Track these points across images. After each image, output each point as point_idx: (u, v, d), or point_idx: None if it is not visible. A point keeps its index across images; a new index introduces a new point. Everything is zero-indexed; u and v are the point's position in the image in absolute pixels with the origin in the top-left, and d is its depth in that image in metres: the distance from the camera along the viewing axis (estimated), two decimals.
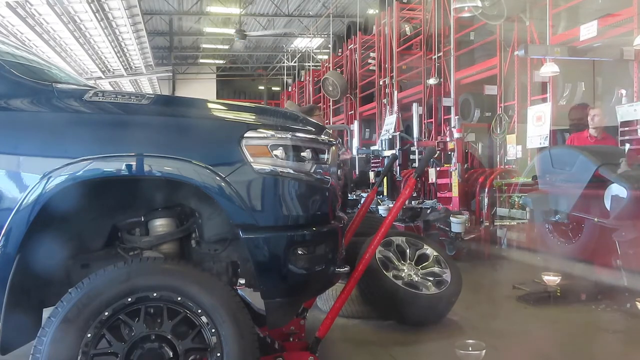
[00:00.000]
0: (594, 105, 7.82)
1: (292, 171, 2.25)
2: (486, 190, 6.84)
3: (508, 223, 6.79)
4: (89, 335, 2.04)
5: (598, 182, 4.79)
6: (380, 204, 7.73)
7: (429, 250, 4.19)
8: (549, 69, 8.08)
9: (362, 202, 6.96)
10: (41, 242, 2.14)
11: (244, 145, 2.19)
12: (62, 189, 2.07)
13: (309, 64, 22.15)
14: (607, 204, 4.66)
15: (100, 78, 16.15)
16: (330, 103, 18.30)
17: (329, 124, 17.32)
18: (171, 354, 2.12)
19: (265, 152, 2.21)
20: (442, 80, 11.35)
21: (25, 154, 2.15)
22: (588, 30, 7.50)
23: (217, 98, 25.86)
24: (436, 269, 4.07)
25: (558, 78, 8.66)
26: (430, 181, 7.90)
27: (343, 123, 16.54)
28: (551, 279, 4.62)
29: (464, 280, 4.05)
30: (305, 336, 3.07)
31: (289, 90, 25.28)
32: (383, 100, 13.89)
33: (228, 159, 2.21)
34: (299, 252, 2.26)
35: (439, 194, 7.62)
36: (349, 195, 8.87)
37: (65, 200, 2.09)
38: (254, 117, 2.40)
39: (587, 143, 6.10)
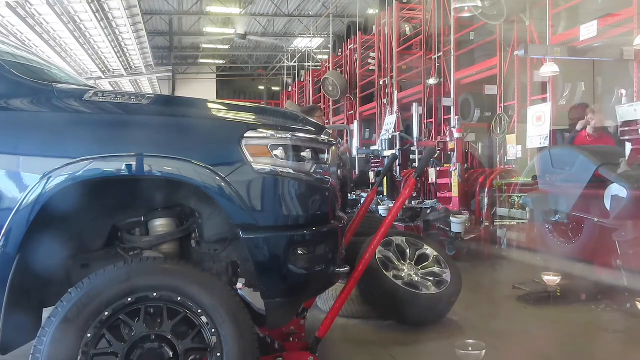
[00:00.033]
0: (593, 106, 7.81)
1: (292, 171, 2.25)
2: (486, 190, 6.84)
3: (508, 223, 6.79)
4: (89, 335, 2.04)
5: (598, 182, 4.79)
6: (380, 204, 7.73)
7: (429, 250, 4.19)
8: (549, 69, 8.08)
9: (362, 202, 6.96)
10: (41, 242, 2.14)
11: (244, 145, 2.19)
12: (62, 189, 2.07)
13: (309, 64, 22.15)
14: (607, 204, 4.67)
15: (100, 78, 16.15)
16: (330, 103, 18.29)
17: (329, 124, 17.31)
18: (171, 354, 2.12)
19: (265, 152, 2.21)
20: (442, 80, 11.35)
21: (25, 154, 2.15)
22: (588, 30, 7.51)
23: (217, 98, 25.86)
24: (436, 269, 4.07)
25: (558, 78, 8.66)
26: (430, 181, 7.90)
27: (343, 123, 16.54)
28: (551, 279, 4.62)
29: (464, 280, 4.05)
30: (305, 336, 3.07)
31: (289, 90, 25.28)
32: (383, 100, 13.89)
33: (228, 159, 2.21)
34: (299, 252, 2.26)
35: (439, 194, 7.62)
36: (349, 195, 8.88)
37: (65, 200, 2.09)
38: (254, 117, 2.40)
39: (586, 142, 6.10)
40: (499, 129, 9.66)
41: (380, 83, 14.08)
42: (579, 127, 6.47)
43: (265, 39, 24.06)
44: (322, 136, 2.42)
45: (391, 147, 9.11)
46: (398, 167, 8.54)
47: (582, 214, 5.03)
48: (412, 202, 7.24)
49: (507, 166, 9.10)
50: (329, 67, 18.42)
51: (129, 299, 2.09)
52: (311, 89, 20.55)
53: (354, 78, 16.24)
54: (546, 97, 8.67)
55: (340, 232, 2.55)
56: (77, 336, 2.02)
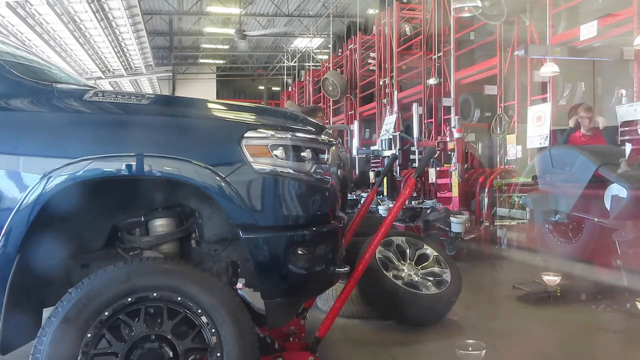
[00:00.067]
0: (585, 104, 7.82)
1: (292, 171, 2.25)
2: (486, 190, 6.84)
3: (508, 223, 6.79)
4: (89, 335, 2.04)
5: (598, 182, 4.79)
6: (380, 204, 7.73)
7: (429, 250, 4.19)
8: (549, 69, 8.08)
9: (362, 202, 6.96)
10: (41, 242, 2.14)
11: (244, 145, 2.19)
12: (62, 189, 2.07)
13: (309, 64, 22.15)
14: (607, 204, 4.67)
15: (100, 78, 16.16)
16: (330, 103, 18.29)
17: (329, 124, 17.31)
18: (171, 354, 2.12)
19: (265, 152, 2.21)
20: (442, 80, 11.35)
21: (25, 154, 2.15)
22: (588, 30, 7.50)
23: (217, 98, 25.87)
24: (436, 269, 4.07)
25: (558, 78, 8.66)
26: (430, 181, 7.90)
27: (343, 123, 16.54)
28: (551, 279, 4.62)
29: (464, 280, 4.05)
30: (305, 336, 3.07)
31: (289, 90, 25.28)
32: (383, 100, 13.89)
33: (228, 159, 2.21)
34: (299, 252, 2.26)
35: (439, 194, 7.62)
36: (349, 195, 8.88)
37: (65, 200, 2.09)
38: (254, 117, 2.40)
39: (580, 142, 6.10)
40: (499, 129, 9.66)
41: (380, 83, 14.08)
42: (571, 124, 6.45)
43: (265, 39, 24.05)
44: (322, 136, 2.42)
45: (391, 147, 9.11)
46: (398, 167, 8.54)
47: (582, 214, 5.03)
48: (412, 202, 7.24)
49: (507, 166, 9.10)
50: (329, 67, 18.42)
51: (129, 299, 2.09)
52: (311, 89, 20.56)
53: (354, 78, 16.24)
54: (546, 97, 8.67)
55: (340, 232, 2.55)
56: (77, 336, 2.02)
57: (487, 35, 10.17)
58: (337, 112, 18.19)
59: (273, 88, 30.55)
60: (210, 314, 2.13)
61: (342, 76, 16.56)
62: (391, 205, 5.59)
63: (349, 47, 16.79)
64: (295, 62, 23.99)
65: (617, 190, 4.56)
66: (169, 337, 2.12)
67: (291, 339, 3.00)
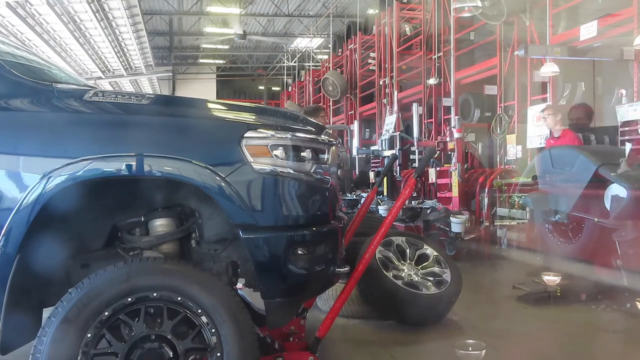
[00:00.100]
0: (549, 105, 7.81)
1: (292, 171, 2.25)
2: (486, 190, 6.83)
3: (508, 223, 6.78)
4: (89, 335, 2.04)
5: (598, 182, 4.79)
6: (380, 204, 7.73)
7: (429, 250, 4.19)
8: (549, 69, 8.08)
9: (362, 202, 6.96)
10: (41, 242, 2.14)
11: (244, 145, 2.20)
12: (62, 189, 2.07)
13: (309, 64, 22.15)
14: (607, 204, 4.66)
15: (100, 78, 16.16)
16: (330, 103, 18.28)
17: (329, 124, 17.31)
18: (171, 354, 2.12)
19: (265, 152, 2.21)
20: (442, 80, 11.35)
21: (25, 154, 2.15)
22: (588, 30, 7.50)
23: (217, 98, 25.87)
24: (436, 269, 4.07)
25: (558, 78, 8.66)
26: (430, 181, 7.89)
27: (343, 123, 16.53)
28: (551, 279, 4.62)
29: (464, 280, 4.05)
30: (305, 336, 3.07)
31: (289, 90, 25.27)
32: (383, 100, 13.89)
33: (228, 159, 2.21)
34: (299, 252, 2.26)
35: (439, 194, 7.61)
36: (349, 195, 8.89)
37: (65, 200, 2.09)
38: (254, 117, 2.40)
39: (548, 143, 6.05)
40: (499, 129, 9.66)
41: (380, 83, 14.08)
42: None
43: (265, 39, 24.06)
44: (322, 136, 2.42)
45: (391, 147, 9.11)
46: (398, 167, 8.54)
47: (582, 214, 5.03)
48: (412, 202, 7.24)
49: (507, 166, 9.10)
50: (329, 67, 18.41)
51: (129, 299, 2.09)
52: (311, 89, 20.55)
53: (354, 78, 16.24)
54: (546, 97, 8.67)
55: (340, 232, 2.55)
56: (77, 336, 2.02)
57: (487, 35, 10.17)
58: (337, 112, 18.19)
59: (273, 88, 30.55)
60: (210, 314, 2.13)
61: (342, 76, 16.56)
62: (391, 205, 5.59)
63: (349, 47, 16.79)
64: (295, 62, 24.00)
65: (617, 190, 4.55)
66: (169, 337, 2.12)
67: (291, 339, 3.00)
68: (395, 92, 12.64)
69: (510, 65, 9.45)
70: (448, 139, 7.72)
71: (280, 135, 2.26)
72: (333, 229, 2.43)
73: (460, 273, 4.08)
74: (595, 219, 4.81)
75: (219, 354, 2.12)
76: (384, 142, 9.47)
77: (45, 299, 2.33)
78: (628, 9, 7.11)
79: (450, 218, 6.34)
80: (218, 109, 2.58)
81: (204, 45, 26.36)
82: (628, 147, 5.23)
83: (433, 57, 11.52)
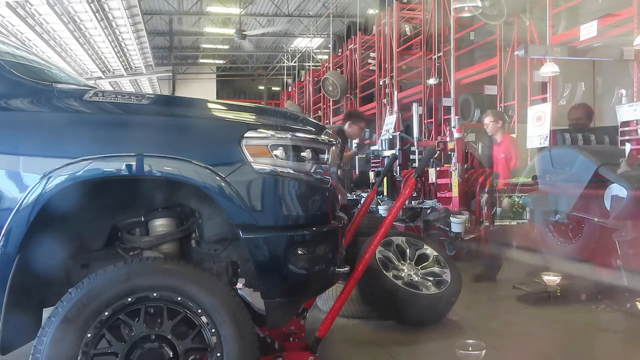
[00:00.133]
0: (489, 111, 7.81)
1: (292, 171, 2.25)
2: (486, 190, 6.83)
3: (508, 223, 6.78)
4: (89, 335, 2.04)
5: (598, 182, 4.79)
6: (380, 204, 7.73)
7: (429, 250, 4.19)
8: (549, 69, 8.08)
9: (362, 202, 6.95)
10: (41, 242, 2.14)
11: (244, 145, 2.20)
12: (62, 189, 2.07)
13: (309, 64, 22.14)
14: (607, 204, 4.66)
15: (100, 78, 16.16)
16: (330, 103, 18.29)
17: (329, 124, 17.31)
18: (171, 354, 2.12)
19: (265, 152, 2.21)
20: (442, 80, 11.34)
21: (25, 154, 2.15)
22: (588, 30, 7.50)
23: (217, 98, 25.87)
24: (436, 269, 4.07)
25: (558, 78, 8.66)
26: (430, 181, 7.89)
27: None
28: (551, 279, 4.62)
29: (464, 280, 4.05)
30: (305, 336, 3.07)
31: (289, 90, 25.27)
32: (383, 100, 13.88)
33: (228, 159, 2.21)
34: (299, 252, 2.26)
35: (439, 194, 7.61)
36: (349, 195, 8.88)
37: (65, 200, 2.09)
38: (254, 117, 2.40)
39: (494, 149, 6.02)
40: None
41: (380, 83, 14.07)
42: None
43: (265, 39, 24.06)
44: (322, 136, 2.42)
45: (391, 147, 9.10)
46: (398, 167, 8.53)
47: (582, 214, 5.03)
48: (412, 202, 7.24)
49: None
50: (329, 67, 18.41)
51: (129, 299, 2.09)
52: (311, 89, 20.55)
53: (354, 78, 16.24)
54: (546, 97, 8.66)
55: (340, 232, 2.55)
56: (77, 336, 2.02)
57: (487, 35, 10.16)
58: (337, 112, 18.19)
59: (273, 88, 30.55)
60: (210, 314, 2.13)
61: (342, 76, 16.56)
62: (391, 205, 5.59)
63: (349, 47, 16.78)
64: (295, 62, 23.99)
65: (617, 190, 4.55)
66: (169, 337, 2.12)
67: (291, 339, 3.00)
68: (395, 92, 12.63)
69: (510, 65, 9.45)
70: (448, 139, 7.72)
71: (280, 135, 2.26)
72: (333, 229, 2.43)
73: (460, 273, 4.08)
74: (595, 219, 4.82)
75: (219, 354, 2.12)
76: (384, 142, 9.46)
77: (45, 299, 2.33)
78: (628, 9, 7.11)
79: (450, 218, 6.33)
80: (218, 109, 2.58)
81: (204, 45, 26.36)
82: (628, 147, 5.23)
83: (433, 57, 11.52)
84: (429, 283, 3.93)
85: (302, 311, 3.19)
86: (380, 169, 9.26)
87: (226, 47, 26.20)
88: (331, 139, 2.49)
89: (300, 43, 23.40)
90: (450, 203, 7.11)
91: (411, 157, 9.21)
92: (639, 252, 4.36)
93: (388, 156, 8.92)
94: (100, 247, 2.42)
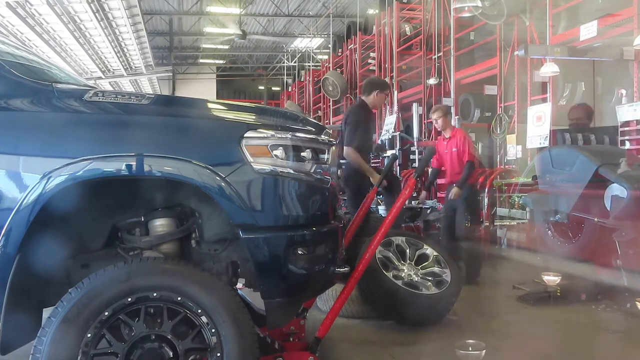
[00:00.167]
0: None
1: (292, 171, 2.25)
2: (486, 190, 6.83)
3: (508, 223, 6.79)
4: (89, 335, 2.04)
5: (598, 182, 4.79)
6: (380, 204, 7.72)
7: (429, 250, 4.19)
8: (549, 69, 8.08)
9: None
10: (41, 242, 2.14)
11: (244, 145, 2.19)
12: (62, 189, 2.07)
13: (309, 64, 22.15)
14: (607, 204, 4.67)
15: (100, 78, 16.15)
16: (330, 103, 18.29)
17: (329, 124, 17.32)
18: (171, 354, 2.11)
19: (265, 152, 2.21)
20: (442, 80, 11.35)
21: (25, 154, 2.15)
22: (588, 30, 7.51)
23: (217, 98, 25.87)
24: (436, 269, 4.07)
25: (558, 78, 8.66)
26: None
27: None
28: (551, 279, 4.62)
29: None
30: (305, 336, 3.07)
31: (289, 90, 25.28)
32: None
33: (228, 159, 2.21)
34: (299, 252, 2.26)
35: (439, 194, 7.61)
36: None
37: (65, 200, 2.09)
38: (254, 117, 2.40)
39: (442, 145, 5.96)
40: (499, 129, 9.67)
41: None
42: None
43: (265, 39, 24.06)
44: (322, 136, 2.42)
45: (391, 147, 9.11)
46: (398, 167, 8.53)
47: (582, 214, 5.03)
48: (412, 202, 7.24)
49: (507, 166, 9.10)
50: (329, 67, 18.42)
51: (129, 299, 2.09)
52: (311, 89, 20.56)
53: (354, 78, 16.24)
54: (546, 97, 8.67)
55: (340, 232, 2.55)
56: (77, 336, 2.02)
57: (487, 35, 10.17)
58: (337, 112, 18.19)
59: (273, 88, 30.55)
60: (210, 314, 2.13)
61: (342, 76, 16.57)
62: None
63: (349, 47, 16.79)
64: (295, 62, 23.99)
65: (617, 190, 4.56)
66: (169, 337, 2.12)
67: (291, 339, 3.00)
68: (395, 92, 12.65)
69: (510, 65, 9.45)
70: None
71: (280, 135, 2.26)
72: (333, 229, 2.43)
73: (460, 273, 4.08)
74: (595, 219, 4.82)
75: (219, 354, 2.12)
76: (384, 142, 9.47)
77: (45, 299, 2.33)
78: (628, 9, 7.12)
79: None
80: (218, 109, 2.58)
81: (204, 45, 26.35)
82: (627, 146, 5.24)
83: (433, 57, 11.53)
84: (429, 283, 3.93)
85: (302, 311, 3.19)
86: (380, 169, 9.25)
87: (226, 47, 26.20)
88: (331, 139, 2.49)
89: (300, 43, 23.40)
90: None
91: (411, 157, 9.22)
92: (639, 252, 4.36)
93: (388, 156, 8.93)
94: (100, 247, 2.42)
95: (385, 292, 3.73)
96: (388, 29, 13.80)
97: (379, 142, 10.04)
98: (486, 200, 6.79)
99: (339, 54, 17.98)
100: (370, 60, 15.35)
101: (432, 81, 11.47)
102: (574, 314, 4.29)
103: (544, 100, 8.68)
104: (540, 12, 8.76)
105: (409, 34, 13.47)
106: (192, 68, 28.65)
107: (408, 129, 11.03)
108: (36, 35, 11.23)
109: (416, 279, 3.96)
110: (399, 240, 4.20)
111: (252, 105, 3.05)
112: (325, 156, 2.40)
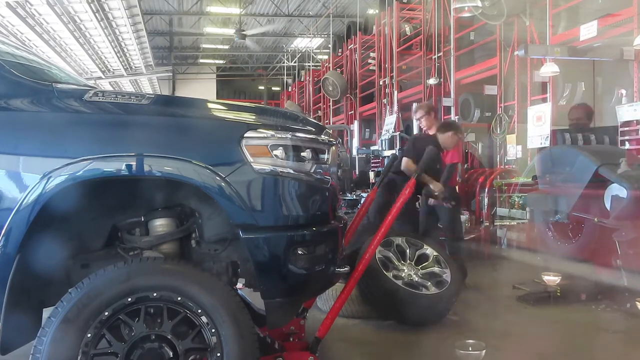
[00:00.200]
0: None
1: (292, 171, 2.24)
2: (486, 190, 6.84)
3: (508, 223, 6.79)
4: (89, 335, 2.04)
5: (598, 182, 4.79)
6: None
7: (429, 250, 4.19)
8: (549, 69, 8.08)
9: (362, 202, 6.95)
10: (41, 242, 2.14)
11: (244, 145, 2.19)
12: (62, 189, 2.07)
13: (309, 64, 22.15)
14: (607, 204, 4.67)
15: (100, 78, 16.15)
16: (330, 103, 18.30)
17: (329, 124, 17.32)
18: (171, 354, 2.11)
19: (265, 152, 2.21)
20: (442, 80, 11.35)
21: (25, 154, 2.14)
22: (588, 30, 7.51)
23: (217, 98, 25.87)
24: (436, 269, 4.07)
25: (558, 78, 8.66)
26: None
27: (343, 123, 16.54)
28: (551, 279, 4.62)
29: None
30: (305, 336, 3.07)
31: (289, 90, 25.29)
32: (383, 100, 13.89)
33: (228, 159, 2.21)
34: (299, 252, 2.26)
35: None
36: (349, 195, 8.89)
37: (65, 200, 2.09)
38: (254, 117, 2.40)
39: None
40: (499, 129, 9.67)
41: (380, 83, 14.08)
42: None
43: (265, 39, 24.05)
44: (322, 136, 2.42)
45: (391, 147, 9.11)
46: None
47: (582, 214, 5.04)
48: None
49: (507, 166, 9.11)
50: (329, 67, 18.42)
51: (129, 299, 2.09)
52: (311, 89, 20.56)
53: (354, 78, 16.24)
54: (546, 97, 8.67)
55: (340, 232, 2.55)
56: (77, 336, 2.02)
57: (487, 35, 10.17)
58: (337, 112, 18.20)
59: (273, 88, 30.56)
60: (210, 314, 2.13)
61: (342, 76, 16.57)
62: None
63: (349, 47, 16.80)
64: (295, 62, 24.00)
65: (617, 190, 4.56)
66: (169, 337, 2.12)
67: (291, 339, 3.00)
68: (395, 92, 12.65)
69: (510, 65, 9.45)
70: None
71: (280, 135, 2.26)
72: (333, 229, 2.43)
73: (460, 273, 4.08)
74: (595, 219, 4.82)
75: (219, 354, 2.12)
76: (384, 142, 9.48)
77: (45, 299, 2.33)
78: (628, 9, 7.12)
79: None
80: (218, 109, 2.58)
81: (204, 45, 26.36)
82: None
83: (433, 57, 11.52)
84: (429, 283, 3.93)
85: (302, 311, 3.19)
86: (380, 169, 9.27)
87: (226, 47, 26.20)
88: (331, 139, 2.49)
89: (300, 43, 23.41)
90: None
91: None
92: (639, 252, 4.36)
93: (388, 156, 8.93)
94: (100, 247, 2.42)
95: (386, 292, 3.73)
96: (388, 29, 13.80)
97: (379, 142, 10.05)
98: (486, 200, 6.79)
99: (339, 54, 17.99)
100: (370, 60, 15.35)
101: (432, 81, 11.47)
102: (574, 314, 4.29)
103: (544, 100, 8.68)
104: (540, 12, 8.76)
105: (409, 34, 13.47)
106: (192, 68, 28.66)
107: (408, 129, 11.05)
108: (36, 35, 11.23)
109: (416, 279, 3.96)
110: (399, 240, 4.20)
111: (252, 105, 3.05)
112: (325, 156, 2.40)
